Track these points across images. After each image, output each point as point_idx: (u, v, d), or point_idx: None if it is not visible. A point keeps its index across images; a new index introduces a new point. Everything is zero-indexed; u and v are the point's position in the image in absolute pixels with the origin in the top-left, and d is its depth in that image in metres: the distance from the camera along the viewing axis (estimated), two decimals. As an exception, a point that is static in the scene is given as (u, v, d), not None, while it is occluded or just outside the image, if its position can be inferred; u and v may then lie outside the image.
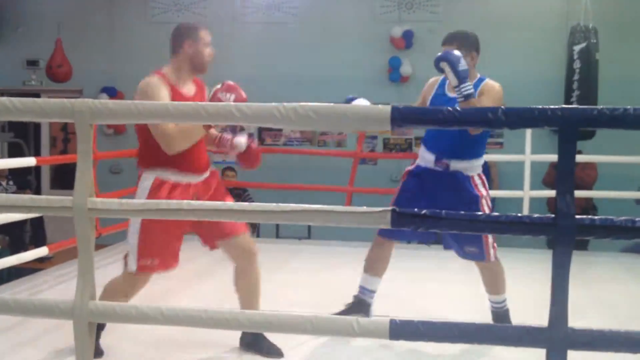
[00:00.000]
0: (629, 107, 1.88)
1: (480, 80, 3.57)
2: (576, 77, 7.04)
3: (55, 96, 8.72)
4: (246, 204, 2.35)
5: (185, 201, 2.34)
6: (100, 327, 3.21)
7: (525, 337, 1.95)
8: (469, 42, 3.55)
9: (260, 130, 8.93)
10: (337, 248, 6.04)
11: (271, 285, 4.85)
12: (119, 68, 9.06)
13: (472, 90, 3.26)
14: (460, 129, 3.19)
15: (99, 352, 3.13)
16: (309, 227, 7.18)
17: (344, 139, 8.88)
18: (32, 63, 9.39)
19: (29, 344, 3.48)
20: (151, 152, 3.10)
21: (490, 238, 3.53)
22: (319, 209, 2.18)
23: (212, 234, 3.22)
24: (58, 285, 4.71)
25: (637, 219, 1.88)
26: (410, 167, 3.75)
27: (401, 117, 2.08)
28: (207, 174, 3.27)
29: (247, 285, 3.29)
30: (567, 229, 1.85)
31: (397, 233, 3.58)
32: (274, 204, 2.23)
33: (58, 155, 9.50)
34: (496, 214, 2.05)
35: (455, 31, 3.64)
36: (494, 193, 7.50)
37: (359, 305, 3.75)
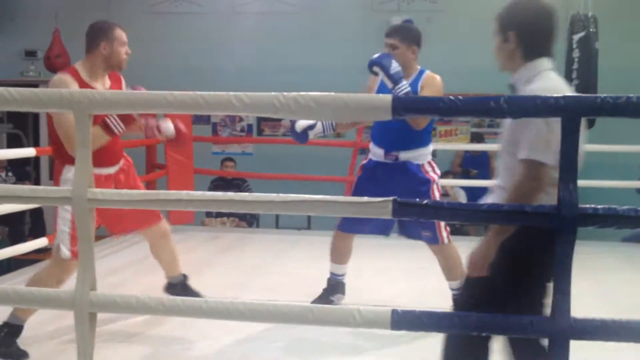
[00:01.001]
0: (632, 95, 1.87)
1: (421, 72, 3.73)
2: (575, 66, 6.99)
3: (53, 87, 8.68)
4: (246, 194, 2.33)
5: (184, 192, 2.32)
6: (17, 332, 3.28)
7: (528, 327, 1.94)
8: (410, 36, 3.68)
9: (259, 120, 8.91)
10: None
11: (271, 275, 4.87)
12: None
13: (408, 89, 3.45)
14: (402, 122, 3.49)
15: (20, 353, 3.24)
16: (309, 217, 7.18)
17: (343, 129, 8.86)
18: (30, 54, 9.35)
19: (29, 334, 3.47)
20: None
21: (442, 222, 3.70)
22: (321, 199, 2.16)
23: (121, 226, 3.65)
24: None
25: (640, 208, 1.87)
26: (363, 162, 3.95)
27: (402, 106, 2.06)
28: (120, 164, 3.55)
29: (167, 255, 3.81)
30: (570, 218, 1.85)
31: (354, 227, 3.83)
32: (275, 194, 2.21)
33: (57, 146, 9.47)
34: (498, 203, 2.04)
35: (398, 24, 3.81)
36: (494, 183, 7.51)
37: (335, 287, 4.00)
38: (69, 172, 3.24)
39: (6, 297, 2.44)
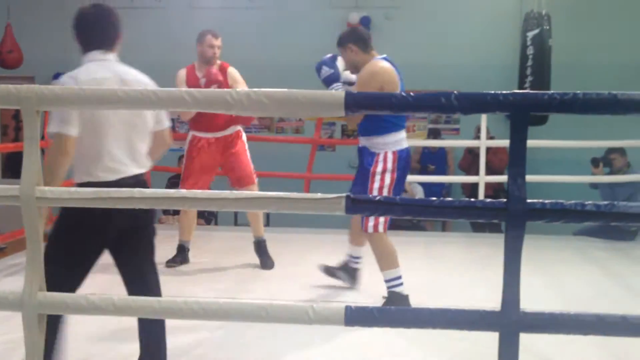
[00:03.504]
0: (578, 92, 1.91)
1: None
2: (529, 63, 7.11)
3: (5, 83, 8.47)
4: (201, 191, 2.30)
5: (137, 189, 2.29)
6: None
7: (478, 321, 1.97)
8: (343, 39, 3.97)
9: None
10: (296, 235, 6.02)
11: (229, 274, 4.84)
12: (72, 54, 8.83)
13: (339, 88, 3.78)
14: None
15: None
16: (268, 214, 7.15)
17: (302, 126, 8.85)
18: (-19, 49, 9.11)
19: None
20: (193, 119, 4.80)
21: None
22: (274, 196, 2.15)
23: (236, 181, 4.97)
24: (10, 277, 4.61)
25: (586, 203, 1.90)
26: None
27: (355, 102, 2.06)
28: (225, 132, 4.88)
29: (253, 215, 5.01)
30: (518, 213, 1.87)
31: None
32: (230, 192, 2.20)
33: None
34: (449, 199, 2.06)
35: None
36: (450, 179, 7.60)
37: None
38: (188, 137, 4.99)
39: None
